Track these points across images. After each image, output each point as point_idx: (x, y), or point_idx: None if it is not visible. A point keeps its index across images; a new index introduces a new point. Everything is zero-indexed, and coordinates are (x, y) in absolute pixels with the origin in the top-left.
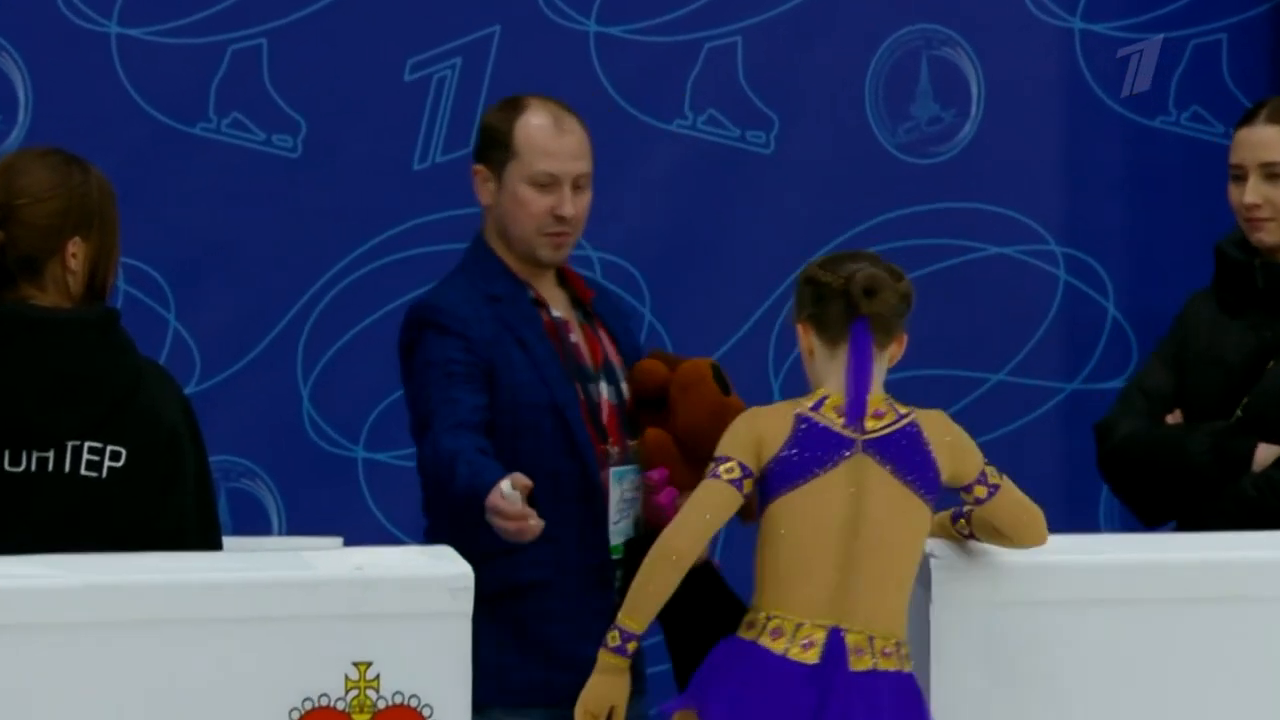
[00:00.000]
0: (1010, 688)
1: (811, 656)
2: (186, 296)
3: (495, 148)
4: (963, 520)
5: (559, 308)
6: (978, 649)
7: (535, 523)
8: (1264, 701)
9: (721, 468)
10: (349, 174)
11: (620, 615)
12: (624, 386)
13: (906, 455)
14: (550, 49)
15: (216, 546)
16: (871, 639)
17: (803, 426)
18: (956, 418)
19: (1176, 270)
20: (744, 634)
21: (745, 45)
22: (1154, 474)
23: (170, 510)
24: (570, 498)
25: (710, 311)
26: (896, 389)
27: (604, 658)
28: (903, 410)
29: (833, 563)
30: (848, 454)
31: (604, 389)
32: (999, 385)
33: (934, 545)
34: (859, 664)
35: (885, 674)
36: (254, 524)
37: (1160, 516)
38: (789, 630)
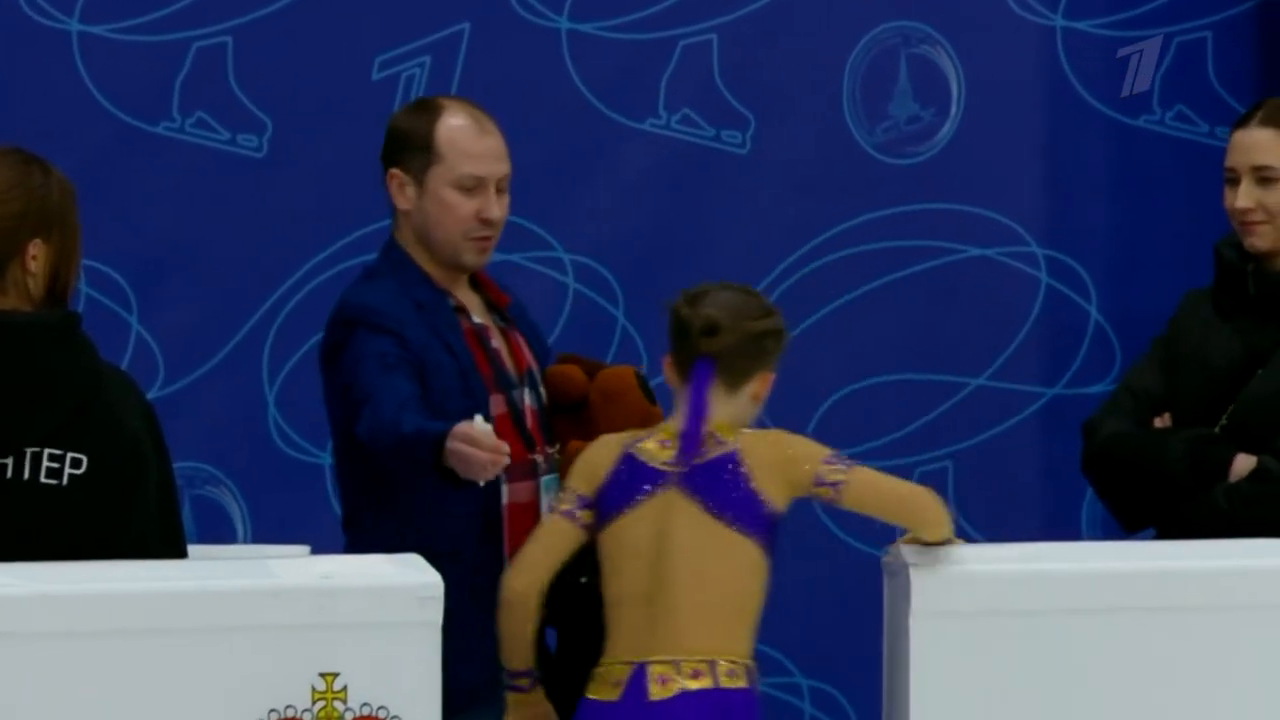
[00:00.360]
0: (991, 699)
1: (615, 694)
2: (149, 299)
3: (413, 151)
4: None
5: (477, 313)
6: (958, 660)
7: (505, 457)
8: (1253, 710)
9: (559, 499)
10: (316, 174)
11: (502, 658)
12: (542, 391)
13: (718, 488)
14: (521, 47)
15: (181, 555)
16: (678, 663)
17: (625, 459)
18: (936, 423)
19: (1161, 273)
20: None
21: (720, 43)
22: (1133, 478)
23: (133, 518)
24: (475, 512)
25: None
26: (874, 395)
27: (508, 696)
28: (727, 439)
29: (641, 599)
30: (657, 488)
31: (527, 395)
32: (979, 390)
33: (911, 553)
34: (662, 692)
35: (699, 693)
36: (219, 532)
37: (1140, 522)
38: (604, 676)
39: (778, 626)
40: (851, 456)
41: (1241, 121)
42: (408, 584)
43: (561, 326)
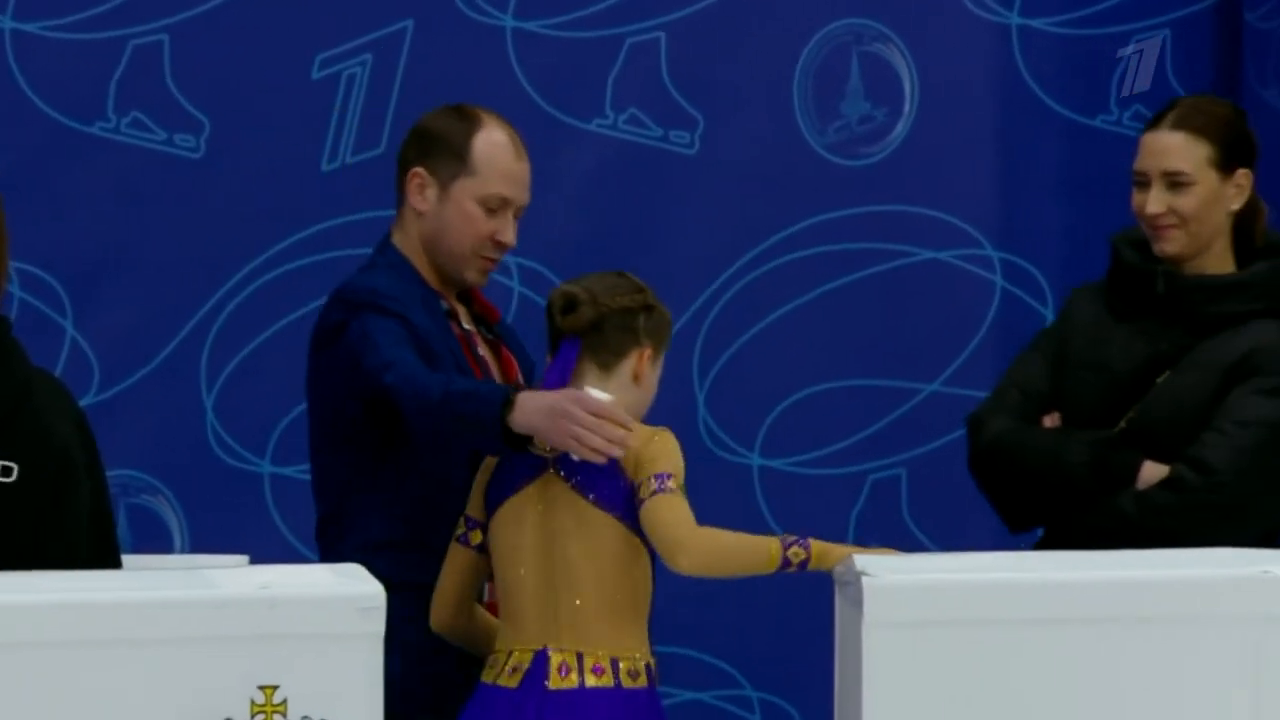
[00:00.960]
0: (946, 711)
1: (513, 681)
2: (84, 304)
3: (445, 156)
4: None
5: (465, 321)
6: (911, 671)
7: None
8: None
9: (458, 524)
10: (255, 175)
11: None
12: None
13: (592, 470)
14: (465, 45)
15: (114, 566)
16: (581, 656)
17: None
18: (888, 430)
19: None
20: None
21: (669, 41)
22: (1026, 478)
23: (64, 528)
24: (458, 509)
25: None
26: (825, 400)
27: None
28: None
29: (534, 584)
30: (537, 474)
31: None
32: (933, 396)
33: (865, 562)
34: (562, 683)
35: (596, 691)
36: (155, 542)
37: (1027, 523)
38: (502, 660)
39: (726, 637)
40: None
41: (1152, 124)
42: (349, 594)
43: None
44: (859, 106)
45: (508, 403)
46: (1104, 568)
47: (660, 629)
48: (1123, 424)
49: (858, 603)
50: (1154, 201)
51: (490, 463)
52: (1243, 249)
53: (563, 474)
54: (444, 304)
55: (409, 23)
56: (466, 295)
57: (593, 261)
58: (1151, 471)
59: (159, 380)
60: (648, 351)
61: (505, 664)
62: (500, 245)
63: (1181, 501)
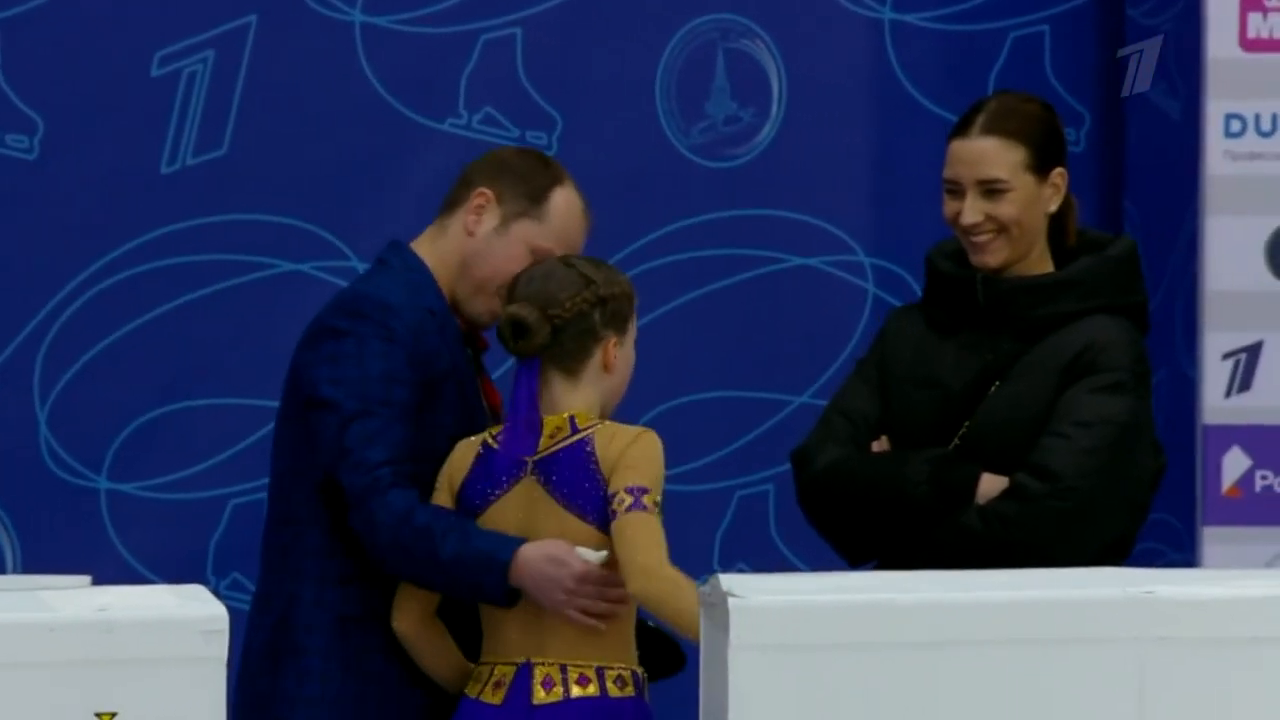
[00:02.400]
0: None
1: (497, 697)
2: None
3: (519, 190)
4: None
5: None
6: (780, 696)
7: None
8: None
9: None
10: (91, 178)
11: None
12: None
13: (567, 474)
14: (312, 41)
15: None
16: (564, 668)
17: (483, 453)
18: (756, 444)
19: None
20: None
21: (525, 37)
22: (864, 506)
23: None
24: None
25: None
26: (692, 412)
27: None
28: (582, 425)
29: None
30: (515, 480)
31: None
32: (802, 409)
33: (731, 582)
34: (547, 697)
35: (581, 701)
36: None
37: (865, 553)
38: (485, 674)
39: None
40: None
41: (960, 130)
42: (191, 617)
43: None
44: (725, 106)
45: (507, 567)
46: (982, 588)
47: None
48: (956, 440)
49: (724, 625)
50: (970, 211)
51: (458, 459)
52: (1057, 248)
53: (540, 478)
54: (457, 320)
55: (252, 18)
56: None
57: None
58: (991, 484)
59: None
60: (612, 340)
61: (488, 678)
62: None
63: (1026, 510)
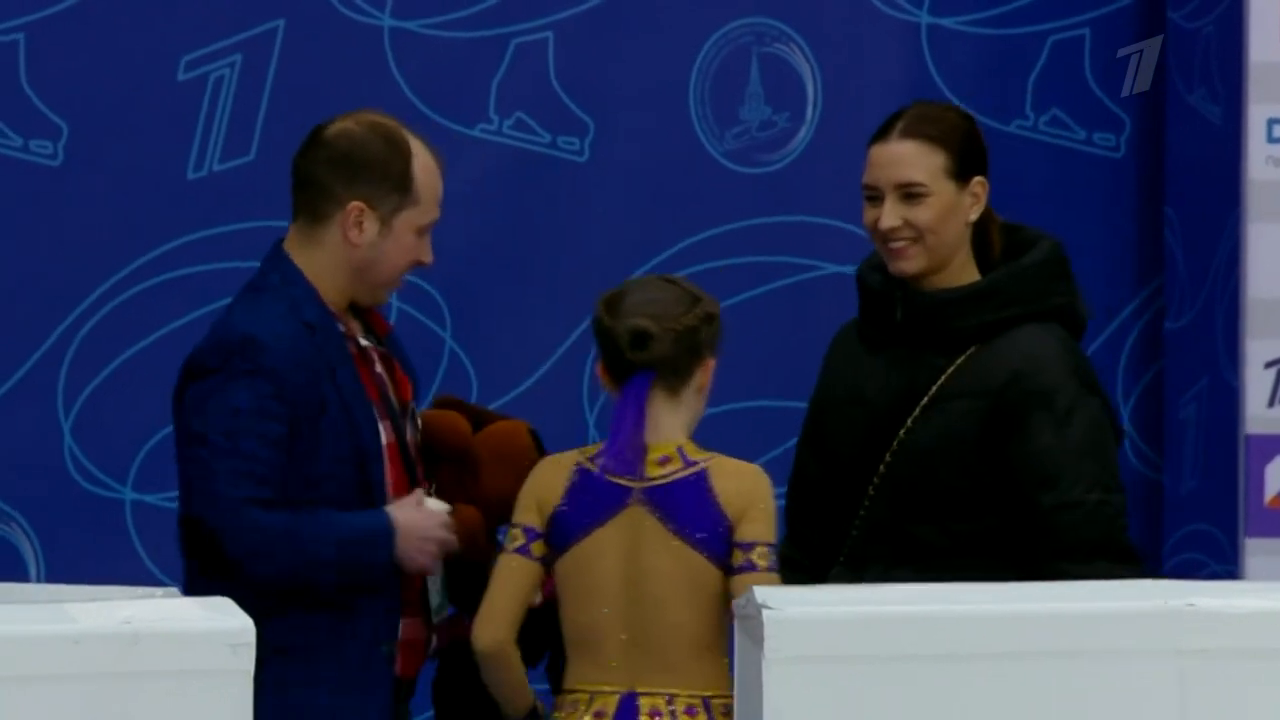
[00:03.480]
0: None
1: None
2: None
3: (388, 189)
4: None
5: (361, 337)
6: (815, 709)
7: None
8: None
9: (509, 537)
10: (116, 184)
11: (503, 710)
12: (419, 425)
13: (684, 507)
14: (341, 46)
15: None
16: (671, 698)
17: (578, 478)
18: (790, 455)
19: None
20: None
21: (557, 42)
22: None
23: None
24: None
25: (518, 338)
26: (726, 422)
27: None
28: (695, 458)
29: (619, 623)
30: (621, 507)
31: (409, 427)
32: None
33: (766, 594)
34: None
35: None
36: (8, 573)
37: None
38: (583, 703)
39: None
40: None
41: (880, 135)
42: (217, 629)
43: None
44: (759, 111)
45: (393, 538)
46: (1020, 600)
47: None
48: (884, 463)
49: (758, 638)
50: (888, 215)
51: (549, 481)
52: (983, 263)
53: (650, 508)
54: (340, 325)
55: (281, 22)
56: (358, 309)
57: (475, 276)
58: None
59: (14, 402)
60: (711, 362)
61: (587, 708)
62: (419, 265)
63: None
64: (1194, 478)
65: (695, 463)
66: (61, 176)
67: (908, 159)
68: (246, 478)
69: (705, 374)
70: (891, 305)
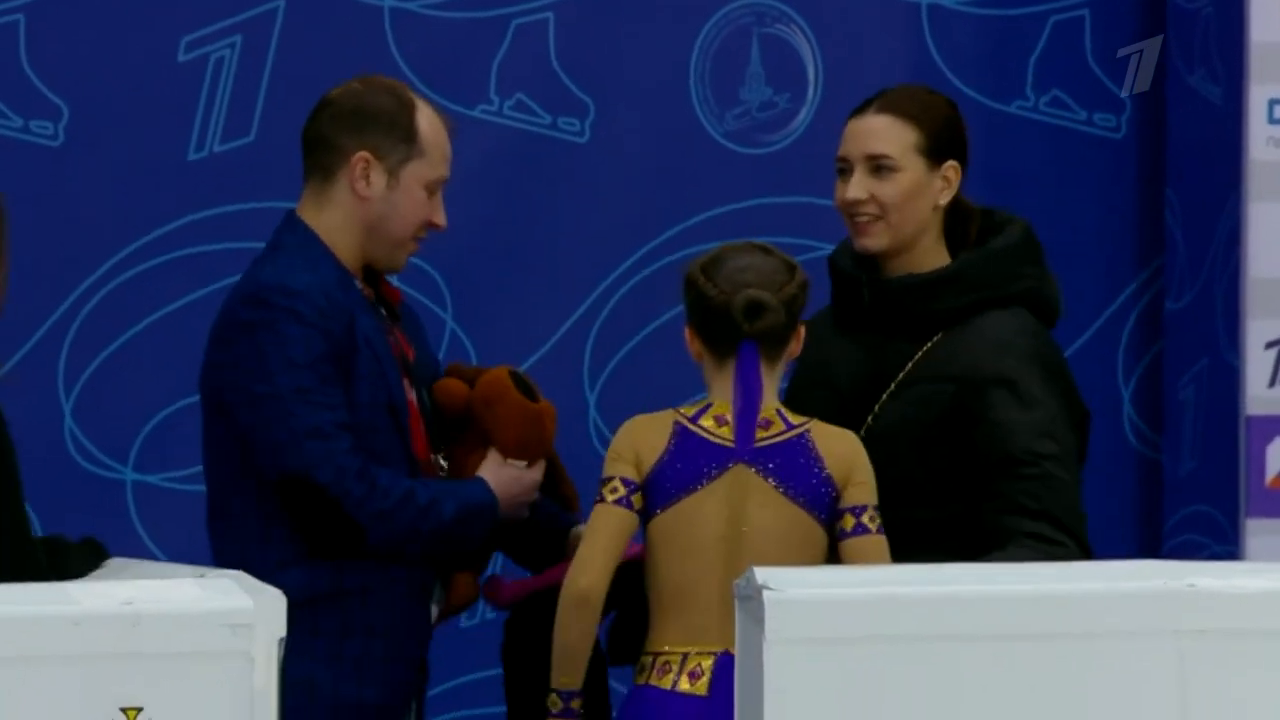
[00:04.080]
0: None
1: (700, 688)
2: None
3: (394, 139)
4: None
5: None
6: (816, 690)
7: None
8: None
9: (605, 489)
10: (117, 165)
11: (553, 677)
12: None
13: (791, 468)
14: (340, 26)
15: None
16: None
17: (680, 437)
18: None
19: None
20: (636, 680)
21: (557, 22)
22: None
23: None
24: None
25: (519, 318)
26: None
27: None
28: (795, 420)
29: (716, 583)
30: (727, 466)
31: (423, 392)
32: None
33: (766, 576)
34: None
35: None
36: None
37: None
38: (675, 663)
39: None
40: None
41: (857, 110)
42: (217, 610)
43: None
44: (760, 92)
45: (496, 508)
46: (1020, 582)
47: None
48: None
49: (759, 618)
50: (854, 186)
51: (649, 438)
52: (957, 251)
53: (757, 468)
54: (359, 284)
55: (281, 2)
56: (372, 277)
57: (476, 258)
58: None
59: (13, 382)
60: (802, 329)
61: (682, 667)
62: (433, 227)
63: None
64: (1194, 459)
65: (795, 425)
66: (62, 157)
67: (879, 132)
68: (337, 427)
69: (798, 342)
70: (860, 289)
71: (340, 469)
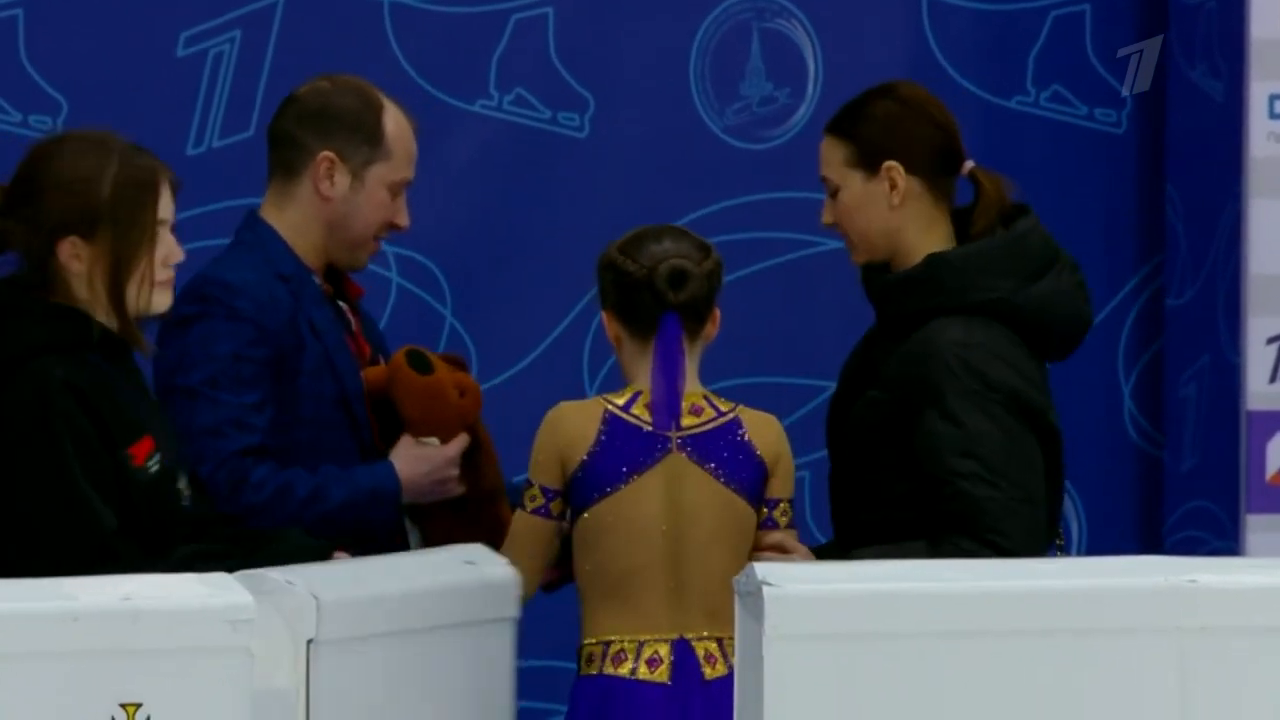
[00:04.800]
0: None
1: (661, 675)
2: None
3: (359, 140)
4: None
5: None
6: (816, 686)
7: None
8: None
9: (525, 495)
10: None
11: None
12: None
13: (725, 454)
14: (340, 21)
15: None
16: (721, 641)
17: (610, 425)
18: (792, 430)
19: None
20: (585, 671)
21: (557, 17)
22: None
23: None
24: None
25: (519, 313)
26: (724, 397)
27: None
28: (723, 407)
29: (662, 571)
30: (661, 454)
31: None
32: None
33: (766, 571)
34: (714, 671)
35: None
36: None
37: None
38: (630, 652)
39: None
40: None
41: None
42: (218, 606)
43: (384, 326)
44: (760, 87)
45: (398, 495)
46: (1020, 577)
47: None
48: (832, 442)
49: (759, 614)
50: (825, 212)
51: (574, 430)
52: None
53: (691, 454)
54: (317, 279)
55: None
56: (334, 273)
57: (475, 253)
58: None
59: None
60: (718, 314)
61: (638, 656)
62: (395, 228)
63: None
64: (1195, 455)
65: (724, 411)
66: None
67: (823, 155)
68: (234, 426)
69: (714, 325)
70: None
71: (218, 464)
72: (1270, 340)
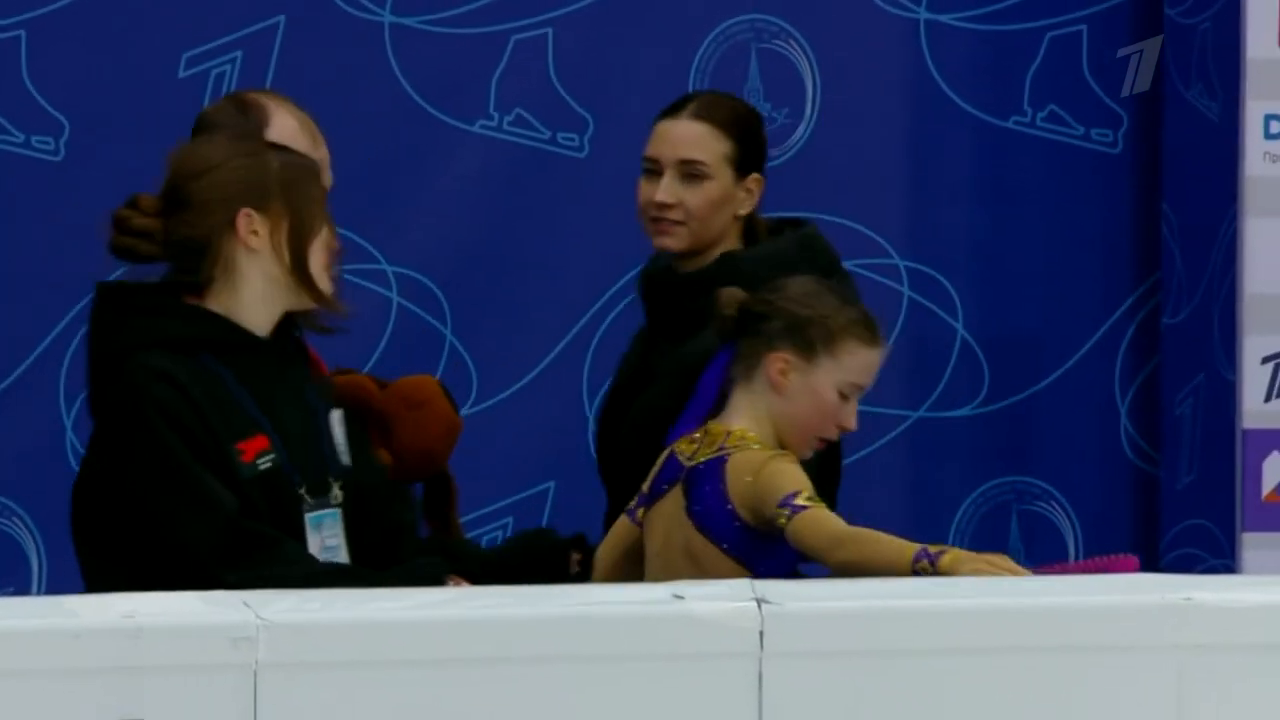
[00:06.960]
0: None
1: None
2: None
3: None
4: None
5: None
6: (814, 704)
7: None
8: None
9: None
10: (117, 180)
11: None
12: None
13: (702, 492)
14: (341, 42)
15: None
16: None
17: (669, 454)
18: None
19: (1032, 286)
20: None
21: (556, 38)
22: None
23: None
24: None
25: (518, 332)
26: None
27: None
28: (728, 445)
29: None
30: (673, 485)
31: None
32: None
33: (765, 589)
34: None
35: None
36: (10, 568)
37: None
38: None
39: None
40: None
41: (670, 111)
42: (219, 623)
43: (384, 345)
44: (758, 107)
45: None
46: (1019, 595)
47: None
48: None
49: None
50: (665, 190)
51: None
52: None
53: (684, 488)
54: None
55: (281, 18)
56: None
57: (475, 272)
58: None
59: (15, 397)
60: (779, 356)
61: None
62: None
63: None
64: (1191, 473)
65: (725, 448)
66: (63, 172)
67: (695, 139)
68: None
69: (774, 368)
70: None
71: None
72: (1266, 359)
